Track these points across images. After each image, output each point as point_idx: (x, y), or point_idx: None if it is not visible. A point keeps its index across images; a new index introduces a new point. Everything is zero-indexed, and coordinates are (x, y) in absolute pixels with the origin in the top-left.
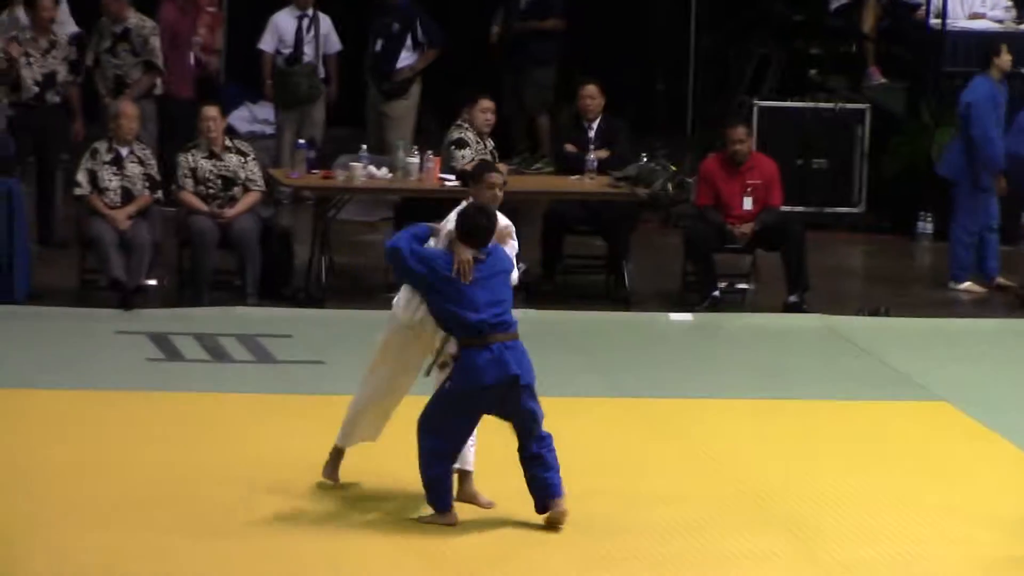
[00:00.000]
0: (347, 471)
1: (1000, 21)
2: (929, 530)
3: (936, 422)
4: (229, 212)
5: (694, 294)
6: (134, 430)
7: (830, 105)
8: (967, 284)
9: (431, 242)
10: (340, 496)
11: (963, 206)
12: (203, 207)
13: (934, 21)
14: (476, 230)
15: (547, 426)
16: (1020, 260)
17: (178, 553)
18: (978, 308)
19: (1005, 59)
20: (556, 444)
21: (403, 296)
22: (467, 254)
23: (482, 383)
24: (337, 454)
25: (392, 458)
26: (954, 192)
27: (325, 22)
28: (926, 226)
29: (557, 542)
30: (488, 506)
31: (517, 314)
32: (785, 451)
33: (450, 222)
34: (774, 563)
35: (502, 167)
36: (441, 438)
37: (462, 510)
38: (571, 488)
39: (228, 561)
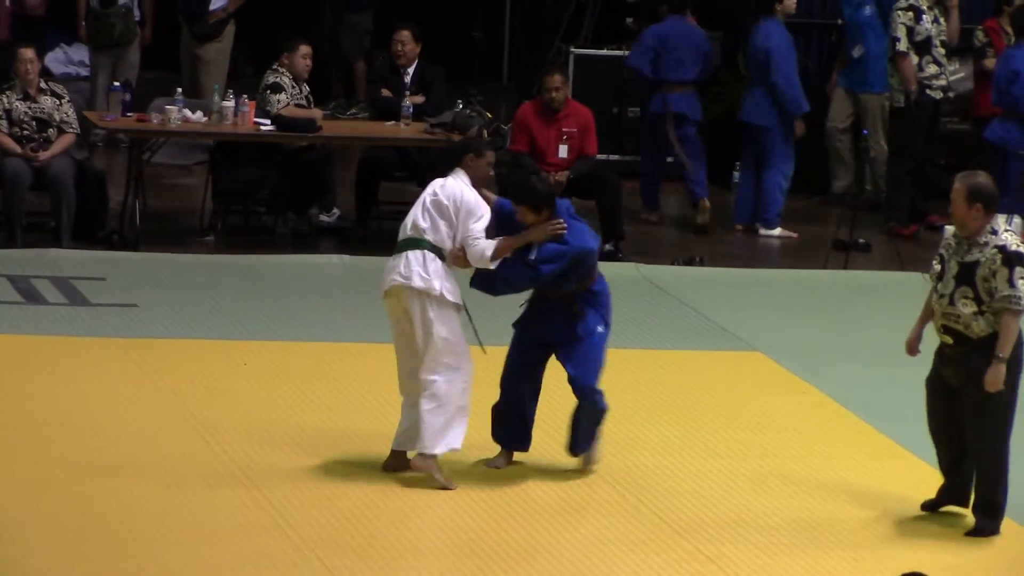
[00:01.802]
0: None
1: None
2: (743, 480)
3: (750, 372)
4: (43, 154)
5: None
6: None
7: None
8: (779, 230)
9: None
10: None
11: (777, 153)
12: (17, 149)
13: None
14: (543, 195)
15: (361, 372)
16: (827, 211)
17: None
18: (791, 258)
19: (789, 3)
20: (369, 390)
21: (441, 276)
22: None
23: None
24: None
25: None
26: (765, 139)
27: None
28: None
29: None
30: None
31: (331, 260)
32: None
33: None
34: (594, 511)
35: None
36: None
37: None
38: (387, 434)
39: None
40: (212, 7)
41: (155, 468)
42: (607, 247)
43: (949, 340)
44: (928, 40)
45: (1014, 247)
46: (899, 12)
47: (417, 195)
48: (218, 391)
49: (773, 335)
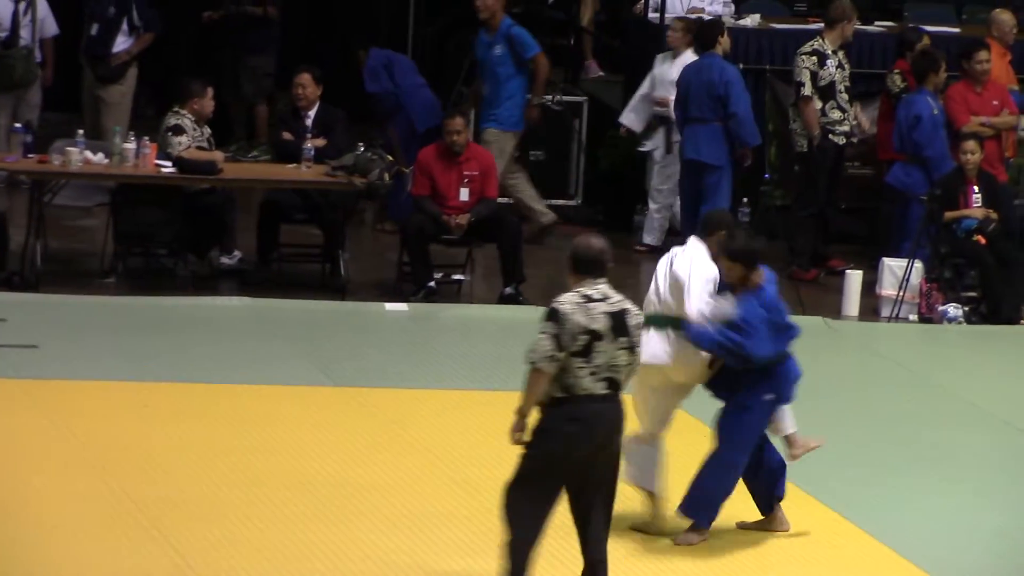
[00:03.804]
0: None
1: (718, 16)
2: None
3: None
4: None
5: (410, 284)
6: None
7: (548, 97)
8: None
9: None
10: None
11: (726, 190)
12: None
13: (653, 15)
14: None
15: (261, 414)
16: None
17: None
18: None
19: (726, 41)
20: (269, 432)
21: (663, 346)
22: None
23: None
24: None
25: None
26: (715, 177)
27: (42, 6)
28: (642, 219)
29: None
30: None
31: (232, 302)
32: (497, 441)
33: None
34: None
35: None
36: (747, 451)
37: None
38: (287, 475)
39: None
40: (115, 49)
41: (54, 509)
42: (507, 290)
43: None
44: (832, 85)
45: (555, 304)
46: (803, 57)
47: (319, 239)
48: (118, 432)
49: None
